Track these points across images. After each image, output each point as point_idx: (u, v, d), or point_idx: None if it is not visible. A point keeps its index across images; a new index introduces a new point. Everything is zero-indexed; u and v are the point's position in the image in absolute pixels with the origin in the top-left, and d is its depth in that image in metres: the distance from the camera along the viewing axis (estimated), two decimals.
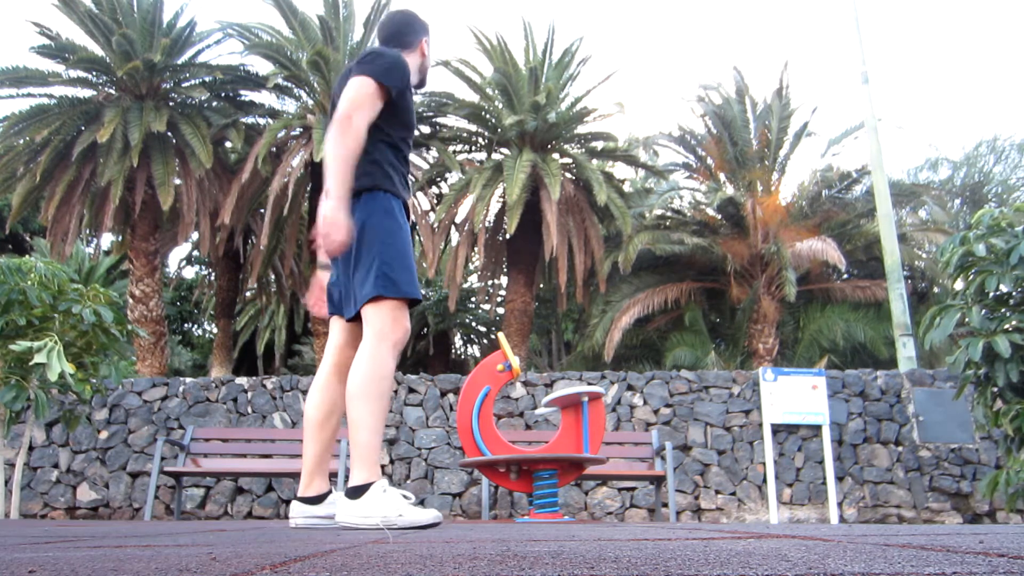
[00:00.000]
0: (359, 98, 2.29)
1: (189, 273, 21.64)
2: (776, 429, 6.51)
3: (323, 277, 2.52)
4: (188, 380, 6.91)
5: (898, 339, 9.04)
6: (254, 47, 12.45)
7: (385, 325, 2.23)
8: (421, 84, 2.65)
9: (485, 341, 20.99)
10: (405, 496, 2.14)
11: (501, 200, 13.22)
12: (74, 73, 11.76)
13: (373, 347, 2.21)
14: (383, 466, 6.46)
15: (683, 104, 29.02)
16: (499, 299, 16.92)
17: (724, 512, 6.38)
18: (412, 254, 2.36)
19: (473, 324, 20.48)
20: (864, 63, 10.28)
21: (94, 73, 11.87)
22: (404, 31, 2.59)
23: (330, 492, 2.45)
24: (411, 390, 6.72)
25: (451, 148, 13.62)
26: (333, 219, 2.15)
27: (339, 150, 2.23)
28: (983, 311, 4.24)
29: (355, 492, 2.13)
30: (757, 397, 6.64)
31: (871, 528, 2.17)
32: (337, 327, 2.48)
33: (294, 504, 2.42)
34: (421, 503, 6.33)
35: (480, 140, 14.06)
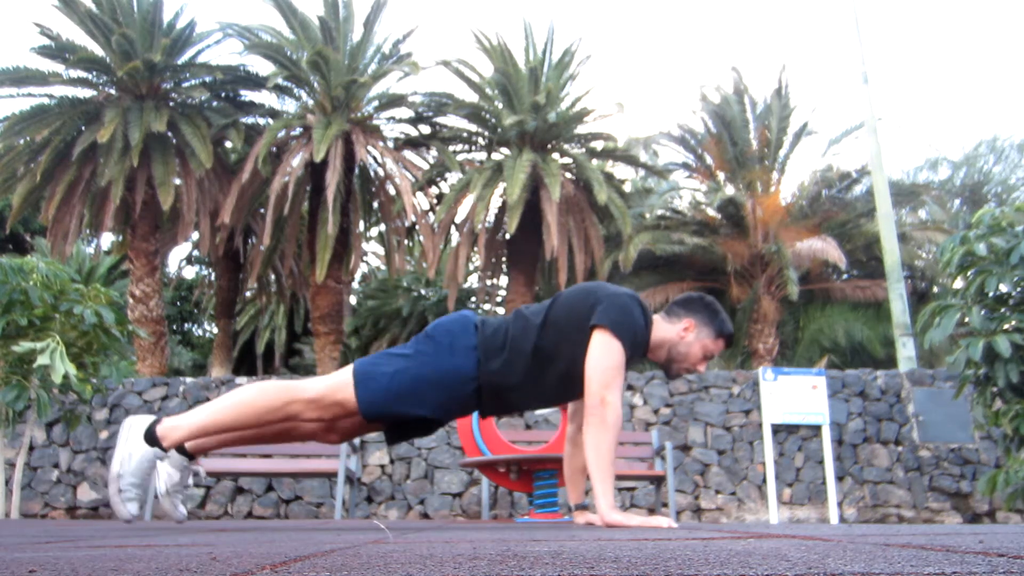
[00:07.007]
0: (609, 375, 2.03)
1: (189, 273, 21.62)
2: (776, 429, 6.51)
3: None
4: (188, 380, 6.92)
5: (898, 339, 9.04)
6: (254, 47, 12.45)
7: None
8: (668, 372, 2.31)
9: None
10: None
11: (501, 200, 13.22)
12: (74, 73, 11.77)
13: None
14: (382, 466, 6.47)
15: (683, 104, 29.05)
16: (499, 299, 16.92)
17: (724, 512, 6.38)
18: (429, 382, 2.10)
19: None
20: (864, 63, 10.29)
21: (94, 73, 11.87)
22: (682, 302, 2.31)
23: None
24: None
25: (451, 148, 13.62)
26: (616, 525, 1.97)
27: (599, 444, 2.02)
28: (983, 311, 4.24)
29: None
30: (757, 397, 6.64)
31: (871, 528, 2.18)
32: None
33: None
34: (421, 503, 6.33)
35: (480, 140, 14.06)
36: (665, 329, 2.25)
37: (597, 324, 2.06)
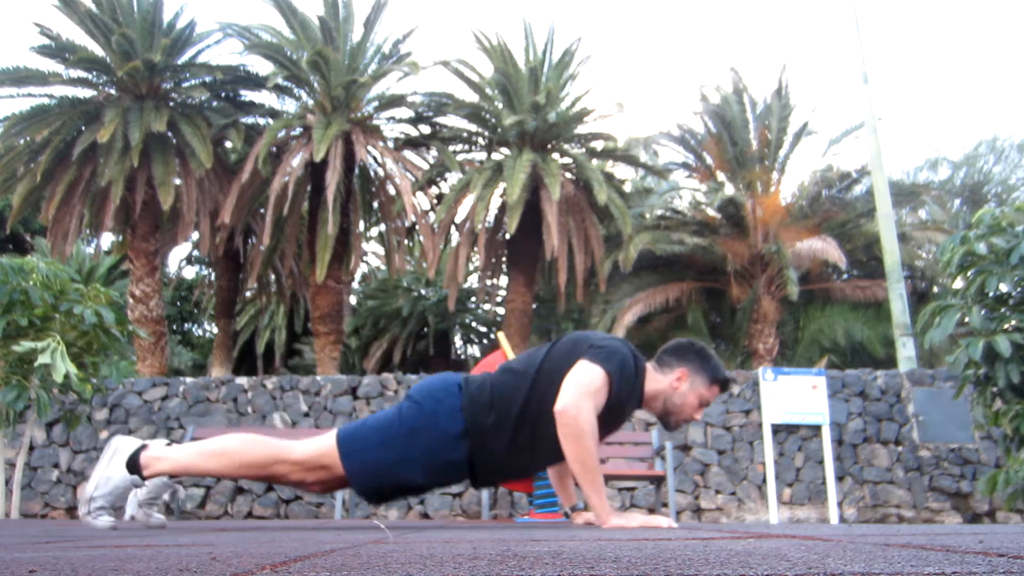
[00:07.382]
0: (589, 389, 1.98)
1: (189, 273, 21.62)
2: (776, 429, 6.51)
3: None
4: (188, 380, 6.92)
5: (898, 339, 9.04)
6: (254, 47, 12.45)
7: None
8: (666, 425, 2.25)
9: (485, 341, 20.99)
10: None
11: (501, 200, 13.22)
12: (74, 73, 11.77)
13: None
14: None
15: (683, 104, 29.06)
16: (499, 299, 16.92)
17: (724, 512, 6.38)
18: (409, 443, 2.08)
19: (473, 324, 20.48)
20: (864, 63, 10.30)
21: (94, 73, 11.87)
22: (672, 350, 2.25)
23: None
24: None
25: (451, 148, 13.62)
26: (618, 528, 1.92)
27: (581, 455, 1.96)
28: (983, 311, 4.24)
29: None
30: (757, 397, 6.63)
31: (871, 528, 2.18)
32: None
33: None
34: (421, 503, 6.33)
35: (480, 140, 14.06)
36: (657, 380, 2.20)
37: (582, 357, 2.05)
